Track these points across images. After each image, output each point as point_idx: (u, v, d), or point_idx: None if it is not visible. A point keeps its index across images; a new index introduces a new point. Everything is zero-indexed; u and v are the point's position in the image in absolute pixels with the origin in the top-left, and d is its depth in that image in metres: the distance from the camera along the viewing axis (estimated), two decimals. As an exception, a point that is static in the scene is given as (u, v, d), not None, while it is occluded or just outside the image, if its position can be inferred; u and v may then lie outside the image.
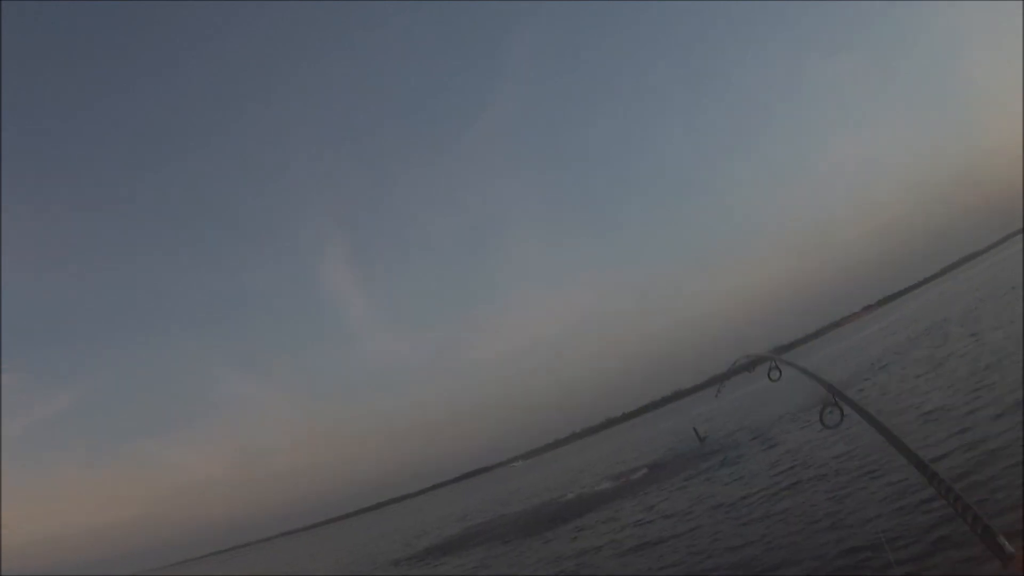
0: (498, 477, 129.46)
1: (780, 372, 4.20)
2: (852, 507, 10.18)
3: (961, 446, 10.63)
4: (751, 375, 4.94)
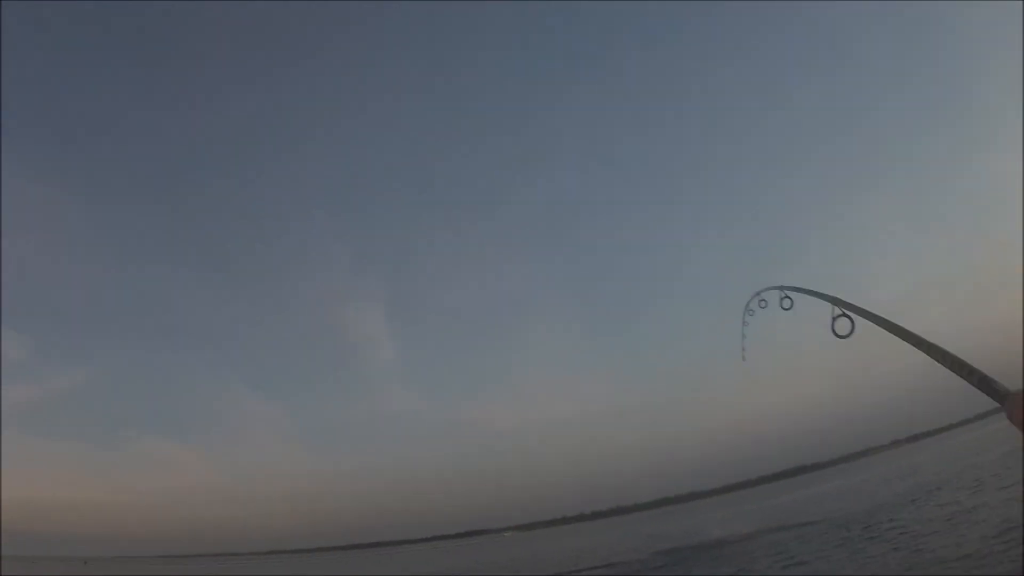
0: (483, 545, 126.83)
1: (792, 300, 4.35)
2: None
3: None
4: (765, 310, 5.02)
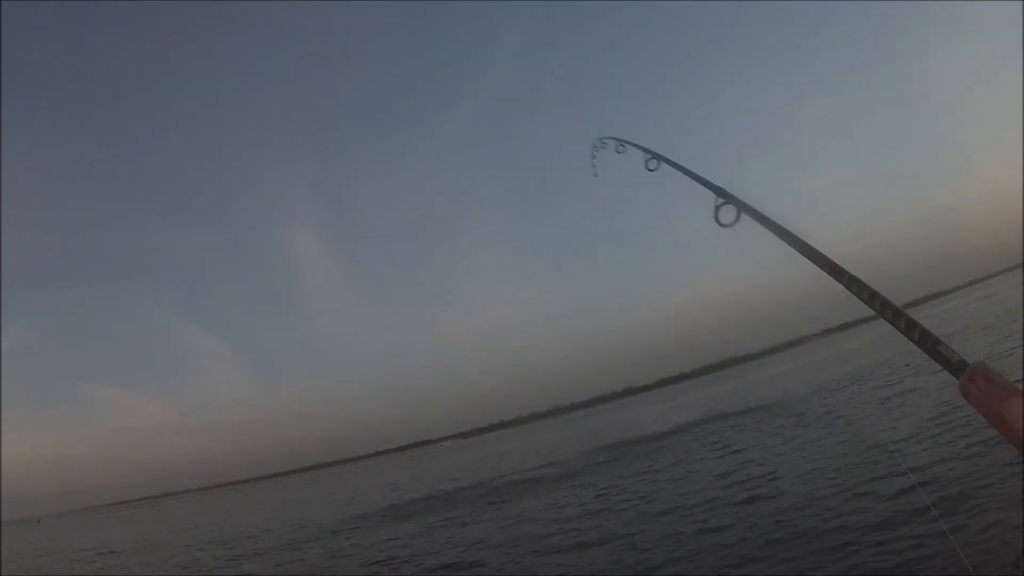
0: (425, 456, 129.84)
1: (658, 164, 3.94)
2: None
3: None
4: (621, 156, 4.97)
